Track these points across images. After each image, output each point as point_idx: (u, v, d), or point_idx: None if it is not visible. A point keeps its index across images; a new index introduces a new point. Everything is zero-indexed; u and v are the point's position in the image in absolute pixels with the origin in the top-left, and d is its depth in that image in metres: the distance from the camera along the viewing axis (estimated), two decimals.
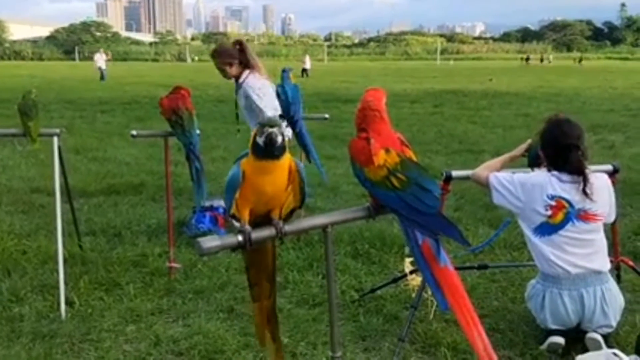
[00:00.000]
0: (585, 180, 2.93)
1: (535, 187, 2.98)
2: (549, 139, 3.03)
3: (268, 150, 1.74)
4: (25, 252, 4.41)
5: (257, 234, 1.78)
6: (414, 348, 3.10)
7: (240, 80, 4.72)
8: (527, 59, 67.26)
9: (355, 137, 1.98)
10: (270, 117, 1.74)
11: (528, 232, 3.04)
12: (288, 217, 1.92)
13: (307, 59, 38.14)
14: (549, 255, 2.97)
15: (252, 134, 1.78)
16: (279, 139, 1.73)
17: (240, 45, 4.77)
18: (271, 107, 4.57)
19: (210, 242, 1.69)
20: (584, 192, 2.92)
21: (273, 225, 1.81)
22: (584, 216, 2.96)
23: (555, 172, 2.98)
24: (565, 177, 2.96)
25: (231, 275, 4.00)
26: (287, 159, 1.81)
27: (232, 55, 4.73)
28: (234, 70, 4.74)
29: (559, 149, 2.97)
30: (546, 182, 2.98)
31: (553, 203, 2.95)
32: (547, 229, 2.97)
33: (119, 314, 3.47)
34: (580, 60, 63.22)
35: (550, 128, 3.05)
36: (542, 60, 69.25)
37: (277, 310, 2.14)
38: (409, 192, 1.86)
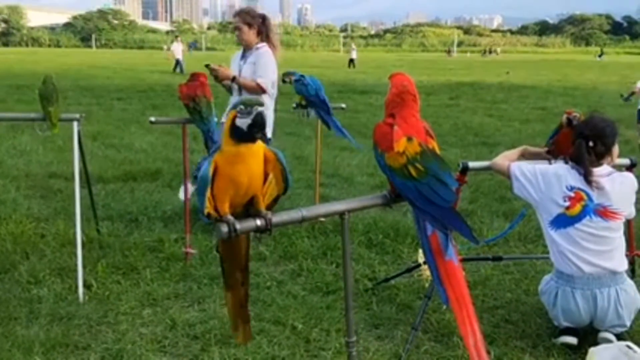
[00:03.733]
0: (587, 172, 2.93)
1: (556, 177, 2.98)
2: (578, 131, 3.02)
3: (253, 132, 1.69)
4: (44, 235, 4.48)
5: (244, 225, 1.74)
6: (427, 337, 3.12)
7: (257, 46, 4.61)
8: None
9: (380, 122, 1.99)
10: (251, 97, 1.70)
11: (545, 225, 3.03)
12: (272, 205, 1.87)
13: (354, 48, 36.66)
14: (564, 250, 2.96)
15: (229, 116, 1.72)
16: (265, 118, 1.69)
17: (263, 19, 4.69)
18: (271, 80, 4.51)
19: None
20: (587, 181, 2.92)
21: (262, 216, 1.77)
22: (603, 212, 2.93)
23: (575, 165, 2.97)
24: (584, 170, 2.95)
25: None
26: (260, 147, 1.76)
27: (255, 18, 4.64)
28: (250, 34, 4.60)
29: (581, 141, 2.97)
30: (566, 173, 2.97)
31: (572, 194, 2.94)
32: (563, 221, 2.96)
33: (136, 297, 3.52)
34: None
35: (584, 121, 3.05)
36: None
37: (249, 298, 2.15)
38: (425, 183, 1.88)
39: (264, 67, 4.50)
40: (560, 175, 2.98)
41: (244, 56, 4.70)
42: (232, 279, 2.05)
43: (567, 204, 2.95)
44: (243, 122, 1.69)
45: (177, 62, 27.02)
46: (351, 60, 34.37)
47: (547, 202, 3.00)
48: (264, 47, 4.61)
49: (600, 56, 60.76)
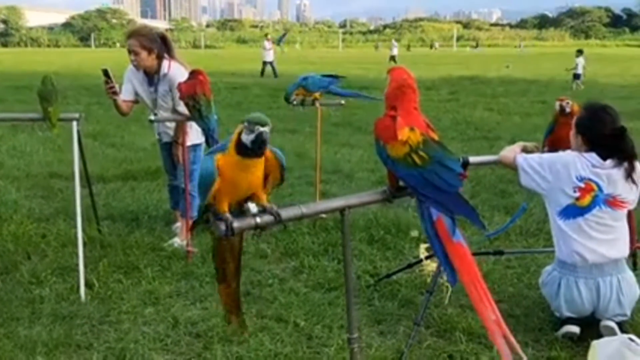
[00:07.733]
0: (632, 166, 2.92)
1: (565, 167, 2.95)
2: (591, 125, 2.99)
3: (256, 150, 1.75)
4: (45, 235, 4.48)
5: (242, 223, 1.77)
6: (429, 332, 3.12)
7: (163, 71, 4.25)
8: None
9: (381, 117, 2.00)
10: (259, 115, 1.73)
11: (553, 215, 3.01)
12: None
13: (395, 45, 36.20)
14: (571, 240, 2.95)
15: (237, 130, 1.77)
16: (268, 138, 1.74)
17: (164, 39, 4.30)
18: None
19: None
20: (631, 179, 2.91)
21: (268, 212, 1.81)
22: (612, 202, 2.93)
23: (585, 155, 2.96)
24: (596, 160, 2.93)
25: (247, 260, 4.03)
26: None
27: (154, 42, 4.22)
28: (150, 60, 4.22)
29: (609, 136, 2.93)
30: (576, 163, 2.95)
31: (582, 185, 2.92)
32: (573, 211, 2.95)
33: (138, 296, 3.52)
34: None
35: (596, 114, 3.01)
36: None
37: (239, 291, 2.20)
38: (431, 170, 1.89)
39: None
40: (568, 163, 2.95)
41: (151, 82, 4.33)
42: (224, 274, 2.09)
43: (577, 194, 2.93)
44: (247, 138, 1.74)
45: (271, 66, 22.99)
46: (392, 57, 33.58)
47: (555, 193, 2.98)
48: (172, 68, 4.23)
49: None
